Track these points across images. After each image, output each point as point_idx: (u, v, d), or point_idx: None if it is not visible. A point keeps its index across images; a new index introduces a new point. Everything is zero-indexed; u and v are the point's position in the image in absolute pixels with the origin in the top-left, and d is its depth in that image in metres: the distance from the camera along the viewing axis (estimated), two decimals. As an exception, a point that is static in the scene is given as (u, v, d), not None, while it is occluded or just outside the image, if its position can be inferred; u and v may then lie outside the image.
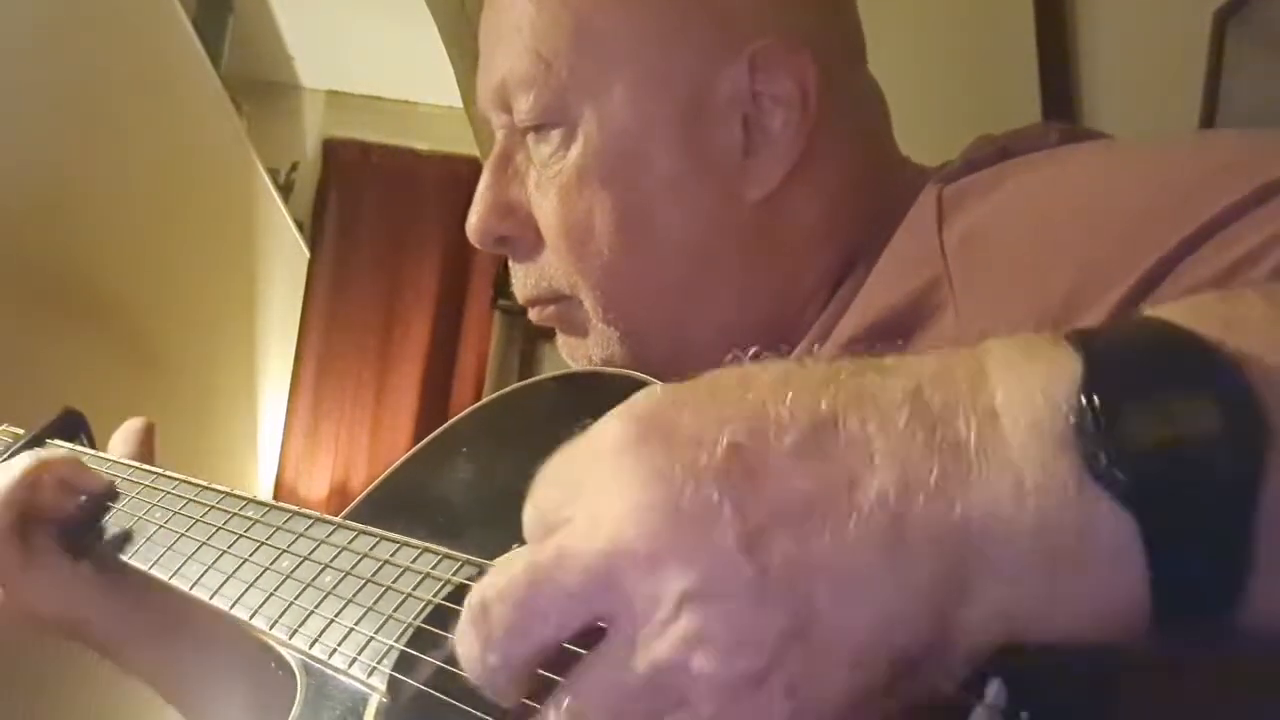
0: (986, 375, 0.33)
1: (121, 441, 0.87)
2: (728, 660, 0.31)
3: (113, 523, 0.78)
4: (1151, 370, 0.32)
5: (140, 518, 0.77)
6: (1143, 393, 0.31)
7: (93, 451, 0.86)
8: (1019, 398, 0.32)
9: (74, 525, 0.79)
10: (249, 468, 3.24)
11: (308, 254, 3.69)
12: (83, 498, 0.79)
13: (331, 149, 3.82)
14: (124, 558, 0.76)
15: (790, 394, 0.34)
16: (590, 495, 0.34)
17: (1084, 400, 0.31)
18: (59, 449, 0.85)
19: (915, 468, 0.32)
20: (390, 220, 3.75)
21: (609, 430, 0.35)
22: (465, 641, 0.36)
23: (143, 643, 0.82)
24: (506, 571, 0.35)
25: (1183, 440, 0.30)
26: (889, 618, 0.31)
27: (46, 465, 0.79)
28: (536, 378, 0.66)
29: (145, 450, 0.86)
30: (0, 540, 0.77)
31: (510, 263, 0.71)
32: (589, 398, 0.65)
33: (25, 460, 0.79)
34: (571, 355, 0.70)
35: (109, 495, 0.80)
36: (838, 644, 0.31)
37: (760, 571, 0.31)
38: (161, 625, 0.82)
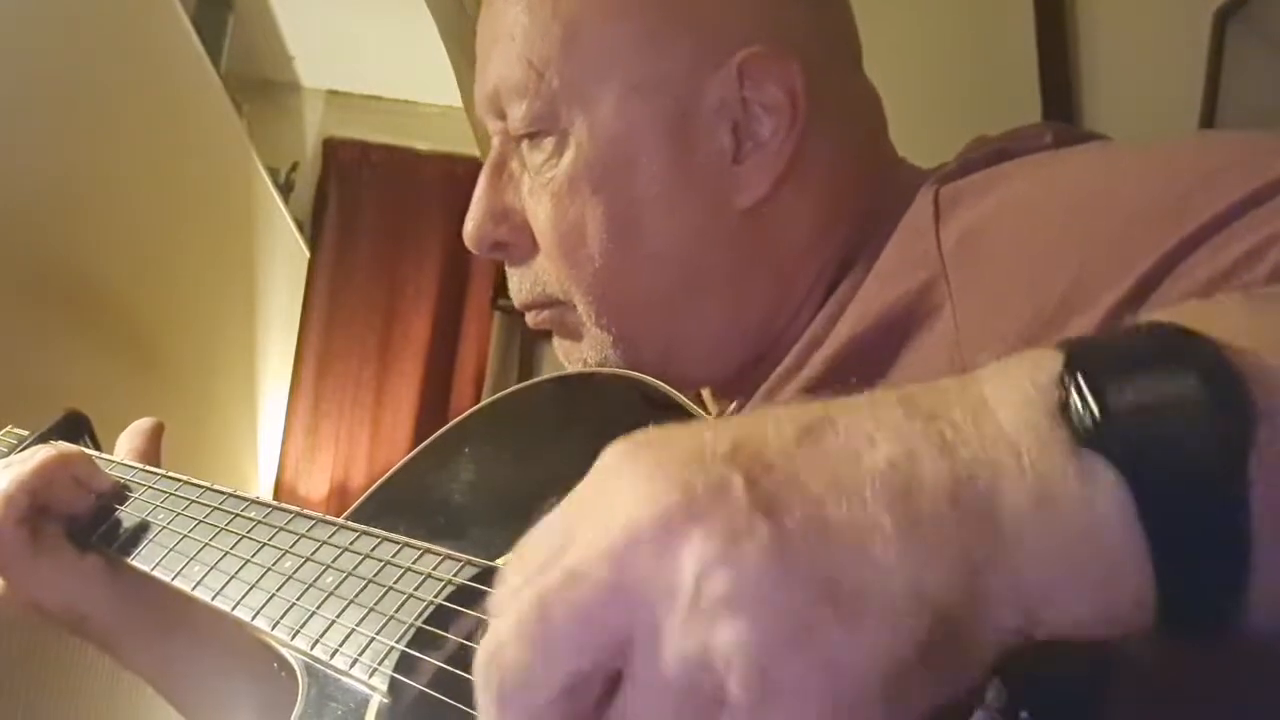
0: (975, 379, 0.34)
1: (130, 439, 0.87)
2: (758, 629, 0.29)
3: (119, 523, 0.79)
4: (1133, 351, 0.33)
5: (145, 519, 0.77)
6: (1126, 368, 0.32)
7: (96, 453, 0.87)
8: (1006, 388, 0.33)
9: (83, 522, 0.80)
10: (249, 468, 3.24)
11: (308, 254, 3.69)
12: (94, 496, 0.80)
13: (331, 149, 3.81)
14: (128, 559, 0.76)
15: (778, 413, 0.34)
16: (590, 516, 0.32)
17: (1068, 380, 0.32)
18: (73, 447, 0.85)
19: (917, 441, 0.32)
20: (390, 220, 3.74)
21: (596, 469, 0.34)
22: (483, 709, 0.32)
23: (143, 640, 0.83)
24: (509, 613, 0.32)
25: (1170, 403, 0.31)
26: (920, 574, 0.30)
27: (65, 459, 0.80)
28: (537, 379, 0.67)
29: (153, 450, 0.87)
30: (11, 525, 0.77)
31: (506, 267, 0.71)
32: (590, 399, 0.65)
33: (45, 452, 0.80)
34: (566, 358, 0.71)
35: (118, 497, 0.80)
36: (871, 605, 0.30)
37: (779, 530, 0.30)
38: (163, 624, 0.82)
